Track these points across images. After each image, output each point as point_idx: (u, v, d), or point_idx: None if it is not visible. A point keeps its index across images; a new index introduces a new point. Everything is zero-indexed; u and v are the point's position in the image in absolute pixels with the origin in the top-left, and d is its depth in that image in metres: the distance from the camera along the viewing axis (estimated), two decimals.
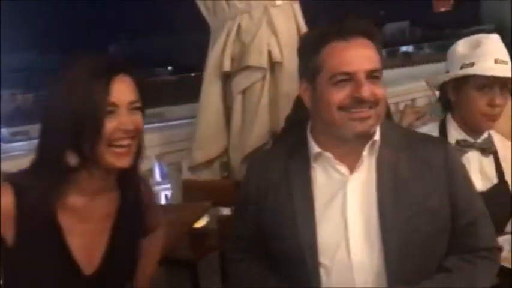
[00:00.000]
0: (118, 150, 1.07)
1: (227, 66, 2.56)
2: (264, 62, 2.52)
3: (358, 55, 1.15)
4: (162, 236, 1.43)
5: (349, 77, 1.15)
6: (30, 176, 1.09)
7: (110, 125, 1.05)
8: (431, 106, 2.80)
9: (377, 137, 1.22)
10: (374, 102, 1.16)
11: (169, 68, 40.49)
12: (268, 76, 2.56)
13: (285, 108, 2.50)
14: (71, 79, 1.07)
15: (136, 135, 1.10)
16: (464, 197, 1.24)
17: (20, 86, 35.17)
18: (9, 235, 1.06)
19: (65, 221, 1.09)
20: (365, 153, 1.21)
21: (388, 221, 1.17)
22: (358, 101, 1.14)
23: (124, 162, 1.09)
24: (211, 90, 2.68)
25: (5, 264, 1.06)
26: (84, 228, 1.12)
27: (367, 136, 1.19)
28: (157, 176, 4.14)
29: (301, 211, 1.21)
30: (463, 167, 1.33)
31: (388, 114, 1.89)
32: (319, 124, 1.24)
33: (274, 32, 2.54)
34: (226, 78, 2.66)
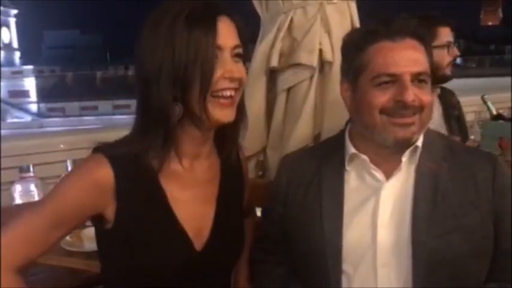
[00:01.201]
0: (223, 101, 0.99)
1: (275, 62, 2.46)
2: (314, 60, 2.41)
3: (405, 57, 1.11)
4: (254, 219, 1.36)
5: (394, 79, 1.10)
6: (127, 143, 1.01)
7: (216, 71, 0.97)
8: (483, 123, 2.65)
9: (419, 143, 1.16)
10: (419, 108, 1.11)
11: None
12: (316, 76, 2.45)
13: (332, 111, 2.39)
14: (169, 24, 0.97)
15: (240, 86, 1.02)
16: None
17: (59, 64, 35.97)
18: (110, 211, 0.95)
19: (170, 189, 1.00)
20: (404, 159, 1.15)
21: (420, 235, 1.09)
22: (401, 106, 1.10)
23: (229, 115, 1.01)
24: (255, 85, 2.58)
25: (105, 246, 0.95)
26: (189, 196, 1.03)
27: (408, 143, 1.15)
28: None
29: (329, 213, 1.16)
30: None
31: None
32: (359, 127, 1.21)
33: (328, 31, 2.42)
34: (272, 74, 2.57)
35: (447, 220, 1.10)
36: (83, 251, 1.64)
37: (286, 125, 2.53)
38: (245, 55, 1.04)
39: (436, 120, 2.31)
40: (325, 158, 1.24)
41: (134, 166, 0.97)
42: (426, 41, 1.15)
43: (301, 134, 2.46)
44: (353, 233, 1.15)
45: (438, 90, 2.31)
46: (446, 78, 2.25)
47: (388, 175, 1.16)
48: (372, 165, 1.16)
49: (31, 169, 2.62)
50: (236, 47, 1.00)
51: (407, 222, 1.12)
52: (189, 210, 1.01)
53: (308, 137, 2.46)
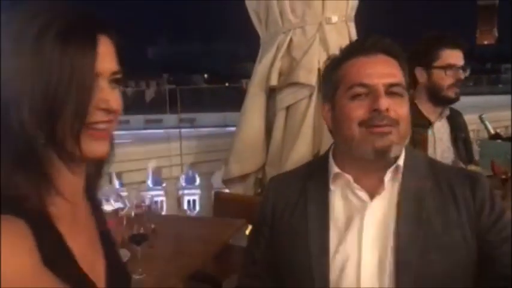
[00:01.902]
0: (97, 133, 0.82)
1: (274, 80, 2.48)
2: (313, 79, 2.43)
3: (378, 69, 1.14)
4: None
5: (368, 91, 1.12)
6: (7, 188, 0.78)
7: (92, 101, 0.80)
8: (481, 143, 2.65)
9: (401, 162, 1.16)
10: (395, 120, 1.11)
11: (205, 75, 40.97)
12: (315, 95, 2.46)
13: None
14: (36, 37, 0.77)
15: (115, 118, 0.85)
16: (497, 230, 1.14)
17: None
18: None
19: (64, 230, 0.84)
20: (387, 178, 1.15)
21: (403, 254, 1.09)
22: (377, 115, 1.10)
23: (105, 149, 0.84)
24: (254, 103, 2.60)
25: None
26: (80, 239, 0.87)
27: (387, 154, 1.13)
28: (183, 181, 4.12)
29: (314, 236, 1.16)
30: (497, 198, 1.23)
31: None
32: (340, 144, 1.20)
33: (327, 50, 2.45)
34: (271, 92, 2.59)
35: (430, 239, 1.10)
36: None
37: (285, 143, 2.54)
38: (122, 80, 0.86)
39: (445, 143, 2.29)
40: (310, 179, 1.22)
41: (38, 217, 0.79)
42: (400, 57, 1.16)
43: (300, 152, 2.46)
44: (339, 255, 1.13)
45: (447, 112, 2.25)
46: (449, 100, 2.19)
47: (372, 195, 1.15)
48: (355, 185, 1.15)
49: None
50: (115, 72, 0.84)
51: (391, 242, 1.11)
52: (85, 254, 0.86)
53: (307, 155, 2.46)
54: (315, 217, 1.18)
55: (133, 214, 1.62)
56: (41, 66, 0.77)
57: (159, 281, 1.57)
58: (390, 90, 1.12)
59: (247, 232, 2.59)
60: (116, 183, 3.38)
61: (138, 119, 26.70)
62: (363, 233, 1.14)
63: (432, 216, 1.12)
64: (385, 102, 1.10)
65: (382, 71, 1.13)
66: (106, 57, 0.82)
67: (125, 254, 1.68)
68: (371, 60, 1.14)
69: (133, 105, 29.37)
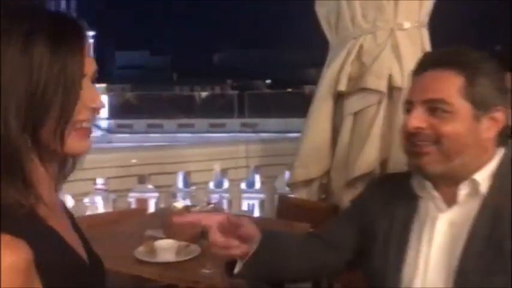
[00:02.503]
0: (81, 132, 0.85)
1: (343, 85, 2.48)
2: (382, 85, 2.40)
3: (423, 84, 1.11)
4: None
5: (412, 107, 1.10)
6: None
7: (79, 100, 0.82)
8: None
9: (478, 177, 1.10)
10: (434, 138, 1.07)
11: (268, 81, 41.28)
12: (385, 101, 2.43)
13: (399, 137, 2.36)
14: (24, 39, 0.78)
15: (96, 115, 0.88)
16: None
17: (129, 82, 37.74)
18: None
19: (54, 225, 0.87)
20: (463, 192, 1.11)
21: (466, 272, 1.06)
22: (411, 133, 1.08)
23: (88, 146, 0.87)
24: (321, 108, 2.61)
25: None
26: (64, 232, 0.90)
27: (424, 173, 1.11)
28: (243, 184, 4.19)
29: (395, 239, 1.16)
30: None
31: None
32: None
33: (398, 56, 2.41)
34: (339, 98, 2.58)
35: (496, 261, 1.05)
36: (155, 261, 1.71)
37: (352, 149, 2.52)
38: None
39: None
40: (405, 181, 1.23)
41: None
42: (467, 71, 1.08)
43: (367, 158, 2.44)
44: (410, 260, 1.13)
45: None
46: None
47: (448, 205, 1.12)
48: (434, 192, 1.13)
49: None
50: (96, 71, 0.88)
51: (457, 257, 1.08)
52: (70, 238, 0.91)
53: (374, 162, 2.44)
54: (398, 221, 1.19)
55: (203, 210, 1.68)
56: (30, 67, 0.77)
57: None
58: (430, 106, 1.08)
59: None
60: (182, 182, 3.52)
61: (202, 122, 27.41)
62: (432, 242, 1.13)
63: (505, 238, 1.06)
64: (413, 121, 1.08)
65: (426, 86, 1.10)
66: (89, 57, 0.85)
67: (194, 249, 1.75)
68: (425, 75, 1.11)
69: (199, 109, 30.17)
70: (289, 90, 28.08)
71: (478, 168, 1.11)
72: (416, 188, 1.18)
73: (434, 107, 1.07)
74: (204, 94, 33.15)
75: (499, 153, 1.13)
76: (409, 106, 1.11)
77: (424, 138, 1.08)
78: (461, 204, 1.12)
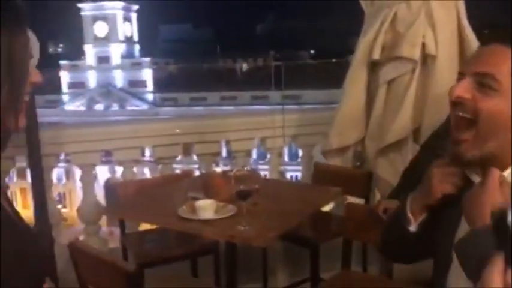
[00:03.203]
0: (24, 105, 0.88)
1: (377, 54, 2.52)
2: (416, 54, 2.43)
3: (478, 57, 1.07)
4: None
5: (462, 78, 1.07)
6: None
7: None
8: None
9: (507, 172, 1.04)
10: (473, 112, 1.03)
11: (312, 51, 40.67)
12: (418, 70, 2.46)
13: (433, 106, 2.40)
14: None
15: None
16: None
17: (173, 56, 38.14)
18: None
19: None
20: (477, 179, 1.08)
21: None
22: (454, 102, 1.05)
23: (24, 120, 0.89)
24: (357, 77, 2.66)
25: None
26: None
27: (465, 161, 1.07)
28: (286, 156, 4.28)
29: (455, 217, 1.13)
30: None
31: None
32: None
33: (432, 25, 2.42)
34: (374, 66, 2.63)
35: None
36: (196, 219, 1.88)
37: (386, 117, 2.58)
38: None
39: None
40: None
41: None
42: None
43: (400, 126, 2.50)
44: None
45: None
46: None
47: None
48: (476, 176, 1.09)
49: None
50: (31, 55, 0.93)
51: None
52: None
53: (407, 130, 2.49)
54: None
55: (239, 174, 1.82)
56: None
57: (260, 233, 1.76)
58: (479, 80, 1.05)
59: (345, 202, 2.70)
60: (225, 150, 3.67)
61: (245, 95, 27.55)
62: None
63: None
64: (458, 89, 1.05)
65: (480, 59, 1.07)
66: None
67: (231, 208, 1.90)
68: (483, 48, 1.09)
69: (241, 81, 30.27)
70: (333, 60, 27.61)
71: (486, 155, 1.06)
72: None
73: (483, 82, 1.04)
74: (246, 66, 33.19)
75: None
76: (460, 76, 1.09)
77: (465, 109, 1.06)
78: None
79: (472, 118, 1.05)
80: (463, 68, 1.10)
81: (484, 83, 1.03)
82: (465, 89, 1.05)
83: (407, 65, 2.47)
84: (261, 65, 33.01)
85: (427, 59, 2.47)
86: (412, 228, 1.23)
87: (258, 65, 33.41)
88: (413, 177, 1.61)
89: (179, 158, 3.30)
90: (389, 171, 2.56)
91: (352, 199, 2.75)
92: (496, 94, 1.03)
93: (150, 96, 30.58)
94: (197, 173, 3.14)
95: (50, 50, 40.52)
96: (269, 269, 2.87)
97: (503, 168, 1.06)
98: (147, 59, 32.09)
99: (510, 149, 1.04)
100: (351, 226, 2.12)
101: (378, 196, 2.77)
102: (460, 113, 1.06)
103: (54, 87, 29.47)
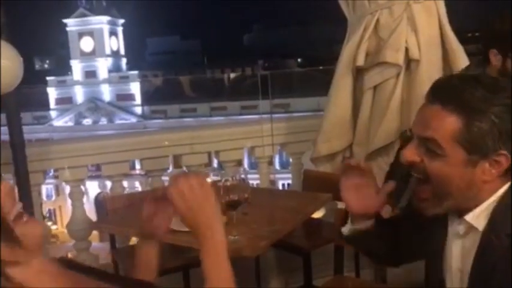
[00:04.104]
0: None
1: (361, 60, 2.54)
2: (400, 59, 2.46)
3: (422, 118, 1.07)
4: None
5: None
6: None
7: None
8: None
9: (470, 217, 1.07)
10: (424, 175, 1.06)
11: (299, 60, 40.93)
12: (402, 74, 2.50)
13: (417, 109, 2.42)
14: None
15: None
16: None
17: (161, 68, 38.13)
18: None
19: None
20: (461, 227, 1.10)
21: None
22: (408, 166, 1.09)
23: None
24: (342, 83, 2.69)
25: None
26: None
27: (425, 212, 1.11)
28: (277, 165, 4.28)
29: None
30: None
31: None
32: None
33: (415, 29, 2.46)
34: (358, 73, 2.65)
35: None
36: (188, 231, 1.86)
37: (373, 122, 2.60)
38: None
39: None
40: None
41: None
42: (467, 113, 1.01)
43: (387, 130, 2.52)
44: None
45: None
46: None
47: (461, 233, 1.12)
48: (455, 218, 1.11)
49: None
50: None
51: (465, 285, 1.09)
52: None
53: (394, 133, 2.51)
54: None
55: (228, 184, 1.82)
56: None
57: (251, 242, 1.76)
58: (425, 144, 1.06)
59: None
60: (216, 161, 3.66)
61: (234, 105, 27.58)
62: (452, 262, 1.14)
63: (502, 282, 1.01)
64: (406, 153, 1.08)
65: (424, 121, 1.06)
66: None
67: (222, 219, 1.89)
68: (427, 107, 1.06)
69: (230, 92, 30.31)
70: (320, 67, 27.80)
71: (474, 206, 1.07)
72: None
73: (428, 146, 1.05)
74: (234, 76, 33.29)
75: (503, 188, 1.05)
76: (412, 135, 1.11)
77: (418, 171, 1.08)
78: (466, 237, 1.10)
79: (426, 179, 1.08)
80: (412, 126, 1.10)
81: (430, 147, 1.05)
82: (414, 153, 1.08)
83: (391, 70, 2.50)
84: (249, 75, 33.13)
85: (410, 64, 2.50)
86: (344, 229, 1.35)
87: (246, 75, 33.52)
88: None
89: (170, 170, 3.29)
90: (378, 175, 2.57)
91: (342, 205, 2.76)
92: (441, 158, 1.04)
93: (138, 110, 30.49)
94: None
95: (37, 66, 40.29)
96: (262, 277, 2.86)
97: (461, 216, 1.09)
98: (135, 72, 32.04)
99: (466, 204, 1.07)
100: (341, 232, 2.12)
101: None
102: (415, 174, 1.09)
103: (42, 103, 29.30)
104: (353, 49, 2.58)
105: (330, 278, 2.19)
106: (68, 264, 0.96)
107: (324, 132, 2.76)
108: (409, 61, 2.49)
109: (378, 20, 2.51)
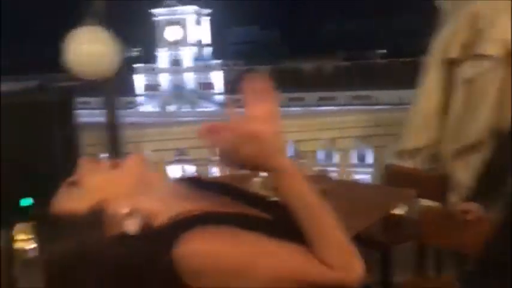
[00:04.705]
0: None
1: (455, 52, 2.42)
2: (498, 51, 2.31)
3: None
4: None
5: None
6: None
7: None
8: None
9: None
10: None
11: (381, 51, 39.69)
12: (500, 68, 2.34)
13: None
14: None
15: None
16: None
17: (242, 58, 38.72)
18: None
19: None
20: None
21: None
22: None
23: None
24: (433, 75, 2.57)
25: None
26: None
27: None
28: (354, 158, 4.21)
29: None
30: None
31: None
32: None
33: None
34: (451, 65, 2.52)
35: None
36: None
37: (464, 118, 2.47)
38: None
39: None
40: None
41: None
42: None
43: (479, 127, 2.38)
44: None
45: None
46: None
47: None
48: None
49: None
50: None
51: None
52: None
53: (487, 131, 2.37)
54: None
55: (308, 175, 1.82)
56: None
57: None
58: None
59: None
60: (291, 151, 3.68)
61: (312, 96, 27.38)
62: None
63: None
64: None
65: None
66: None
67: None
68: None
69: (308, 82, 30.12)
70: (405, 60, 26.77)
71: None
72: None
73: None
74: (314, 67, 33.02)
75: None
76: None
77: None
78: None
79: None
80: None
81: None
82: None
83: (488, 63, 2.35)
84: (329, 66, 32.70)
85: (510, 57, 2.33)
86: None
87: (325, 66, 33.10)
88: (489, 180, 1.55)
89: None
90: (467, 174, 2.44)
91: (426, 203, 2.66)
92: None
93: (219, 98, 31.27)
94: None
95: (127, 54, 42.56)
96: None
97: None
98: (218, 62, 32.87)
99: None
100: (426, 230, 2.05)
101: (454, 201, 2.65)
102: None
103: (130, 89, 30.97)
104: (446, 40, 2.45)
105: (410, 277, 2.13)
106: (197, 182, 0.97)
107: (410, 126, 2.67)
108: (509, 54, 2.32)
109: (475, 10, 2.37)
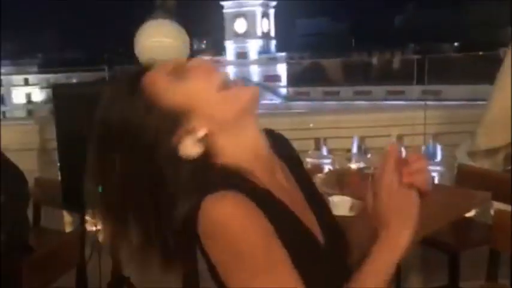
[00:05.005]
0: None
1: None
2: None
3: None
4: None
5: None
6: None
7: None
8: None
9: None
10: None
11: (455, 44, 37.85)
12: None
13: None
14: None
15: None
16: None
17: (309, 50, 38.43)
18: None
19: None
20: None
21: None
22: None
23: None
24: (509, 73, 2.41)
25: None
26: (301, 209, 0.88)
27: None
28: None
29: None
30: None
31: None
32: None
33: None
34: None
35: None
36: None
37: None
38: None
39: None
40: None
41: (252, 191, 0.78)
42: None
43: None
44: None
45: None
46: None
47: None
48: None
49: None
50: None
51: None
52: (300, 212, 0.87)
53: None
54: None
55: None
56: None
57: None
58: None
59: (491, 211, 2.48)
60: (355, 146, 3.60)
61: (379, 90, 26.66)
62: None
63: None
64: None
65: None
66: None
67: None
68: None
69: (376, 75, 29.36)
70: (480, 53, 25.37)
71: None
72: None
73: None
74: (382, 59, 32.12)
75: None
76: None
77: None
78: None
79: None
80: None
81: None
82: None
83: None
84: (398, 59, 31.69)
85: None
86: None
87: (395, 59, 32.10)
88: None
89: (310, 152, 3.31)
90: None
91: (500, 206, 2.51)
92: None
93: (283, 90, 31.27)
94: (327, 168, 3.12)
95: (195, 46, 43.64)
96: (403, 270, 2.76)
97: None
98: (282, 54, 32.87)
99: None
100: (499, 235, 1.94)
101: None
102: None
103: None
104: None
105: (481, 283, 2.01)
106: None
107: (486, 124, 2.53)
108: None
109: None
